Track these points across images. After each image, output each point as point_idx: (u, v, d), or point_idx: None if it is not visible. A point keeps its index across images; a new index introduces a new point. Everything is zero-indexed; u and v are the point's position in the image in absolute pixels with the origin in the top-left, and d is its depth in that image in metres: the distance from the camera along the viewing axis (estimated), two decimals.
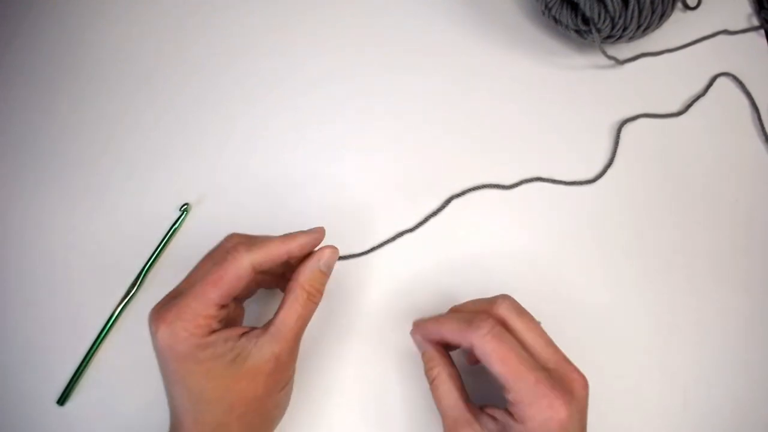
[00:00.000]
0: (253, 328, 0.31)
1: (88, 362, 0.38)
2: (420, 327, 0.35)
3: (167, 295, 0.31)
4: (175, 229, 0.41)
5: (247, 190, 0.43)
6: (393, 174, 0.44)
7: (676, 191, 0.44)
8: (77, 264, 0.41)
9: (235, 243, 0.31)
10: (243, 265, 0.30)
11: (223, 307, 0.30)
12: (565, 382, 0.29)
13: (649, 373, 0.39)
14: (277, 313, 0.31)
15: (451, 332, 0.32)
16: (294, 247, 0.32)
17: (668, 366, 0.39)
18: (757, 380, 0.39)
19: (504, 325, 0.31)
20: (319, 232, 0.34)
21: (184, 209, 0.42)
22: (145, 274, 0.40)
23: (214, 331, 0.29)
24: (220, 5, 0.50)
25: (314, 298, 0.32)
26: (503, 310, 0.32)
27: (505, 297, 0.33)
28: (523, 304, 0.40)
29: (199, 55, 0.48)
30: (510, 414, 0.30)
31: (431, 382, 0.33)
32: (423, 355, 0.34)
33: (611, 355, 0.39)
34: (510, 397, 0.29)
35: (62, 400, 0.37)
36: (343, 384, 0.38)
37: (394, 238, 0.42)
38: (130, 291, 0.39)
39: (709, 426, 0.38)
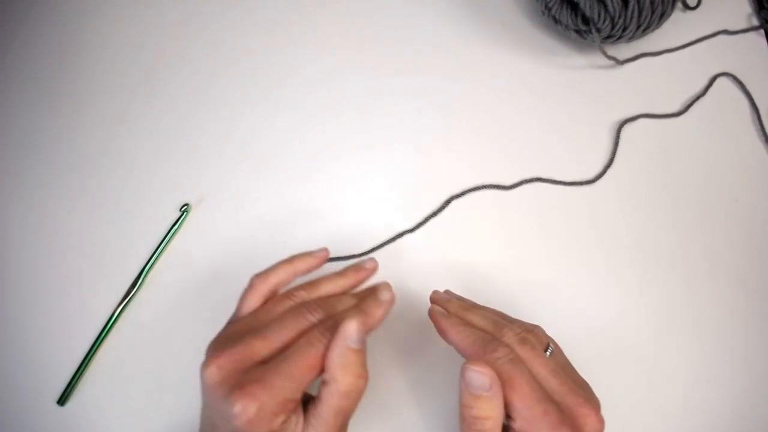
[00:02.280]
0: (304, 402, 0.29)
1: (88, 362, 0.38)
2: (439, 322, 0.33)
3: (241, 354, 0.28)
4: (175, 229, 0.41)
5: (247, 191, 0.43)
6: (393, 174, 0.44)
7: (676, 191, 0.44)
8: (77, 264, 0.41)
9: (327, 323, 0.29)
10: (320, 352, 0.28)
11: (304, 390, 0.28)
12: (574, 417, 0.28)
13: (649, 373, 0.39)
14: (316, 403, 0.28)
15: (465, 346, 0.30)
16: (374, 326, 0.30)
17: (668, 366, 0.39)
18: (757, 380, 0.39)
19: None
20: (388, 294, 0.32)
21: (184, 209, 0.42)
22: (145, 274, 0.40)
23: (289, 417, 0.27)
24: (220, 6, 0.50)
25: (355, 387, 0.28)
26: (508, 339, 0.30)
27: (511, 327, 0.31)
28: (522, 304, 0.40)
29: (199, 56, 0.48)
30: None
31: (481, 431, 0.28)
32: (480, 399, 0.28)
33: (611, 354, 0.39)
34: (516, 425, 0.28)
35: (62, 400, 0.37)
36: None
37: (394, 238, 0.42)
38: (130, 291, 0.40)
39: (709, 426, 0.37)
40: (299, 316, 0.30)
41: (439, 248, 0.42)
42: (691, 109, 0.46)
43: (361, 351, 0.28)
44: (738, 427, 0.38)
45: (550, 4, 0.45)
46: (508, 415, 0.28)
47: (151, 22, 0.49)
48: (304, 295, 0.32)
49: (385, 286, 0.32)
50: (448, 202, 0.43)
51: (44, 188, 0.43)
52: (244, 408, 0.26)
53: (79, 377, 0.38)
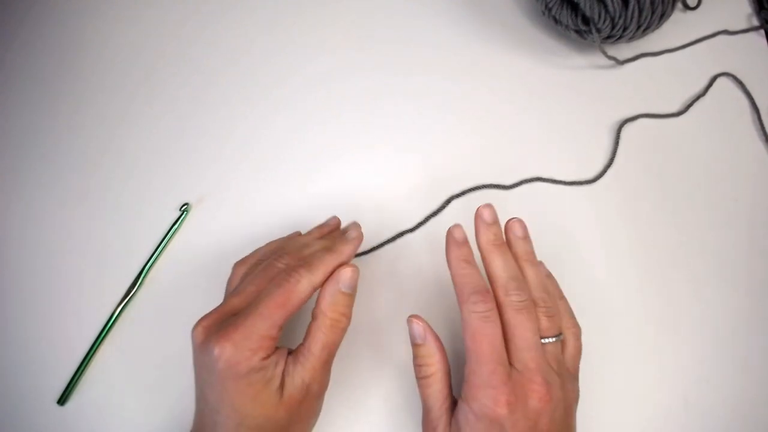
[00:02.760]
0: (289, 351, 0.31)
1: (88, 362, 0.38)
2: (449, 249, 0.34)
3: (220, 311, 0.31)
4: (175, 229, 0.41)
5: (247, 190, 0.43)
6: (393, 174, 0.44)
7: (676, 191, 0.44)
8: (77, 264, 0.41)
9: (294, 265, 0.31)
10: (305, 287, 0.30)
11: (280, 329, 0.30)
12: (523, 386, 0.29)
13: (649, 373, 0.39)
14: (304, 340, 0.31)
15: (454, 285, 0.32)
16: (345, 260, 0.32)
17: (668, 366, 0.39)
18: (758, 380, 0.39)
19: (500, 310, 0.31)
20: (356, 231, 0.35)
21: (184, 209, 0.42)
22: (145, 274, 0.40)
23: (269, 356, 0.29)
24: (220, 6, 0.50)
25: (339, 323, 0.31)
26: (505, 301, 0.31)
27: (519, 294, 0.31)
28: None
29: (199, 55, 0.48)
30: (461, 393, 0.30)
31: (424, 377, 0.32)
32: (419, 347, 0.32)
33: (611, 354, 0.39)
34: (465, 372, 0.30)
35: (62, 400, 0.37)
36: (343, 384, 0.38)
37: (394, 238, 0.42)
38: (130, 291, 0.40)
39: (709, 426, 0.37)
40: (268, 267, 0.32)
41: (440, 248, 0.42)
42: (691, 109, 0.46)
43: (350, 296, 0.32)
44: (738, 427, 0.38)
45: (550, 5, 0.45)
46: (466, 362, 0.30)
47: (151, 22, 0.49)
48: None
49: (354, 225, 0.37)
50: (448, 201, 0.43)
51: (44, 188, 0.43)
52: (221, 350, 0.28)
53: (79, 377, 0.38)
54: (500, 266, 0.32)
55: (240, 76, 0.47)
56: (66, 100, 0.46)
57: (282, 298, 0.30)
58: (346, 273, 0.32)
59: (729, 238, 0.42)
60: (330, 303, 0.31)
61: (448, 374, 0.32)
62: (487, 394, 0.29)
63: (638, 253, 0.42)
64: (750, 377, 0.39)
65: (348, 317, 0.32)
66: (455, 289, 0.32)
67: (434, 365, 0.32)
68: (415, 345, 0.32)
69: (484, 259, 0.33)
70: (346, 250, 0.33)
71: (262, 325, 0.29)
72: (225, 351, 0.28)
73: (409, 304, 0.40)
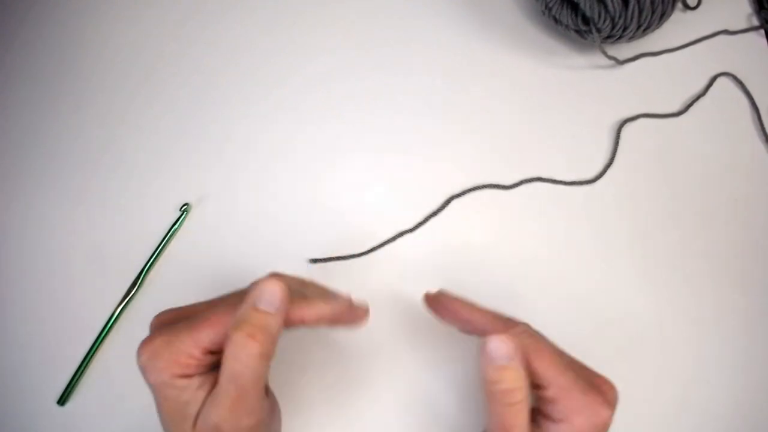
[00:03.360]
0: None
1: (88, 362, 0.38)
2: (446, 304, 0.32)
3: (179, 311, 0.29)
4: (175, 229, 0.41)
5: (247, 190, 0.43)
6: (393, 174, 0.44)
7: (676, 191, 0.44)
8: (77, 264, 0.41)
9: (260, 308, 0.26)
10: (246, 307, 0.26)
11: (212, 353, 0.27)
12: (601, 390, 0.28)
13: (649, 373, 0.39)
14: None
15: (484, 322, 0.30)
16: (259, 300, 0.27)
17: (668, 366, 0.39)
18: (757, 380, 0.39)
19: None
20: (342, 306, 0.30)
21: (184, 209, 0.42)
22: (145, 274, 0.40)
23: (189, 376, 0.26)
24: (220, 6, 0.50)
25: (244, 348, 0.25)
26: (521, 326, 0.30)
27: (518, 323, 0.30)
28: (523, 304, 0.40)
29: (199, 55, 0.48)
30: (545, 415, 0.28)
31: (511, 404, 0.26)
32: (505, 371, 0.26)
33: (610, 354, 0.39)
34: (549, 393, 0.27)
35: (62, 400, 0.37)
36: (342, 384, 0.38)
37: (394, 238, 0.42)
38: (130, 291, 0.40)
39: (709, 426, 0.38)
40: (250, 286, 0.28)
41: (439, 248, 0.42)
42: (691, 109, 0.46)
43: (267, 314, 0.26)
44: (738, 427, 0.38)
45: (550, 4, 0.45)
46: (537, 386, 0.28)
47: (151, 22, 0.49)
48: None
49: (363, 312, 0.32)
50: (448, 201, 0.43)
51: (44, 188, 0.43)
52: (142, 353, 0.27)
53: (79, 377, 0.38)
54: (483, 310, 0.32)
55: (240, 76, 0.47)
56: (66, 100, 0.46)
57: (216, 319, 0.27)
58: (265, 286, 0.26)
59: (729, 238, 0.42)
60: (236, 322, 0.25)
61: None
62: (587, 402, 0.27)
63: (638, 253, 0.42)
64: (750, 377, 0.39)
65: (261, 342, 0.25)
66: (483, 327, 0.30)
67: (523, 389, 0.26)
68: (497, 368, 0.27)
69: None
70: (321, 309, 0.29)
71: (186, 340, 0.26)
72: (144, 356, 0.26)
73: (409, 305, 0.40)
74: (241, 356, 0.25)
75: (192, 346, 0.26)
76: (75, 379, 0.37)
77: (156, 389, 0.27)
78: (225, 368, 0.25)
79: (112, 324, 0.39)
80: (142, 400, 0.37)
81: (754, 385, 0.38)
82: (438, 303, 0.34)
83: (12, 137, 0.45)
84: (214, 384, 0.26)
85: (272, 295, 0.26)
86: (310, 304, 0.29)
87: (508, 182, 0.44)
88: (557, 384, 0.27)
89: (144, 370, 0.27)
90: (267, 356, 0.26)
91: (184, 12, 0.49)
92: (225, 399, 0.25)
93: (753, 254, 0.42)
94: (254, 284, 0.27)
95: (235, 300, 0.27)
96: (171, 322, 0.28)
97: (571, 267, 0.41)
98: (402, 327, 0.39)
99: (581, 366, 0.30)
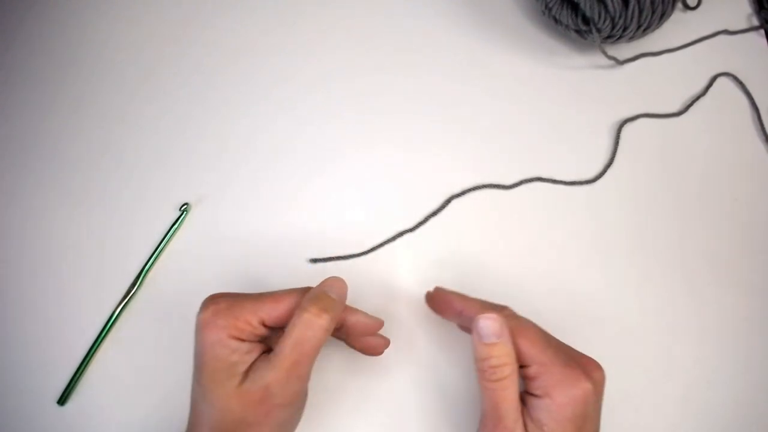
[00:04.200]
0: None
1: (88, 362, 0.38)
2: (442, 298, 0.35)
3: (237, 293, 0.32)
4: (175, 229, 0.41)
5: (247, 190, 0.43)
6: (393, 174, 0.44)
7: (676, 191, 0.44)
8: (77, 264, 0.41)
9: (313, 290, 0.31)
10: (318, 291, 0.31)
11: (267, 327, 0.30)
12: (583, 364, 0.30)
13: (649, 373, 0.39)
14: (279, 339, 0.30)
15: (474, 311, 0.32)
16: (331, 289, 0.32)
17: (668, 366, 0.39)
18: (757, 380, 0.39)
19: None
20: (378, 323, 0.34)
21: (184, 209, 0.42)
22: (145, 274, 0.40)
23: (242, 339, 0.29)
24: (220, 6, 0.50)
25: (316, 320, 0.29)
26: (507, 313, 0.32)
27: (499, 309, 0.32)
28: (523, 304, 0.40)
29: (199, 55, 0.48)
30: (529, 393, 0.30)
31: (499, 380, 0.29)
32: (494, 347, 0.29)
33: (610, 354, 0.39)
34: (531, 371, 0.29)
35: (62, 400, 0.37)
36: (343, 385, 0.38)
37: (394, 238, 0.42)
38: (130, 291, 0.40)
39: (709, 426, 0.38)
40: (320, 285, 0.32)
41: (439, 248, 0.42)
42: (691, 109, 0.46)
43: (334, 301, 0.31)
44: (738, 427, 0.38)
45: (550, 4, 0.45)
46: (522, 366, 0.30)
47: (151, 22, 0.49)
48: None
49: (386, 342, 0.35)
50: (448, 201, 0.43)
51: (44, 188, 0.43)
52: (205, 311, 0.30)
53: (79, 377, 0.38)
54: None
55: (240, 77, 0.47)
56: (66, 100, 0.46)
57: (281, 298, 0.31)
58: (335, 281, 0.32)
59: (729, 238, 0.42)
60: (311, 298, 0.30)
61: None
62: (567, 376, 0.28)
63: (638, 253, 0.42)
64: (750, 377, 0.39)
65: (328, 318, 0.29)
66: (473, 315, 0.31)
67: (510, 365, 0.29)
68: (486, 345, 0.29)
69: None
70: (366, 317, 0.34)
71: (249, 306, 0.30)
72: (206, 314, 0.30)
73: (409, 304, 0.40)
74: (312, 325, 0.29)
75: (252, 313, 0.30)
76: (75, 379, 0.37)
77: (208, 345, 0.29)
78: (292, 335, 0.29)
79: (112, 324, 0.39)
80: (143, 400, 0.38)
81: (754, 385, 0.38)
82: (436, 299, 0.36)
83: (12, 137, 0.45)
84: (261, 353, 0.30)
85: (340, 289, 0.32)
86: (355, 311, 0.33)
87: (508, 182, 0.44)
88: (538, 361, 0.29)
89: (203, 325, 0.29)
90: (328, 332, 0.30)
91: (184, 12, 0.49)
92: (285, 361, 0.29)
93: (753, 254, 0.42)
94: (325, 279, 0.32)
95: (295, 291, 0.31)
96: (228, 297, 0.31)
97: (571, 267, 0.41)
98: (402, 327, 0.39)
99: (568, 347, 0.31)
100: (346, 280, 0.32)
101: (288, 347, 0.29)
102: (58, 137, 0.45)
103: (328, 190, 0.43)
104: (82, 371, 0.38)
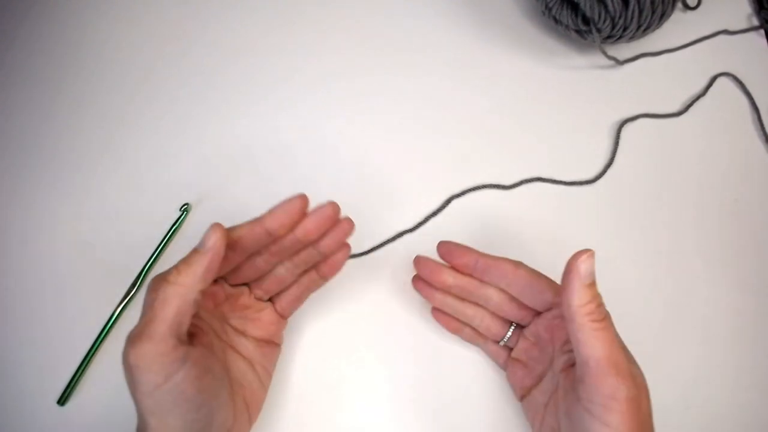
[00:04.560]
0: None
1: (88, 362, 0.38)
2: (455, 249, 0.34)
3: None
4: (175, 229, 0.41)
5: (247, 190, 0.43)
6: (393, 174, 0.44)
7: (676, 191, 0.44)
8: (77, 264, 0.41)
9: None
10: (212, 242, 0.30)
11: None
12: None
13: (649, 373, 0.39)
14: None
15: (491, 260, 0.33)
16: (268, 222, 0.31)
17: (668, 366, 0.39)
18: (758, 380, 0.39)
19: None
20: (297, 200, 0.31)
21: (184, 209, 0.42)
22: (145, 274, 0.40)
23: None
24: (220, 6, 0.50)
25: (169, 276, 0.28)
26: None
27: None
28: None
29: (199, 55, 0.48)
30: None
31: (606, 317, 0.28)
32: (594, 285, 0.29)
33: None
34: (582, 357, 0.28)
35: (62, 400, 0.37)
36: (343, 384, 0.38)
37: (394, 238, 0.42)
38: (130, 291, 0.39)
39: (709, 426, 0.37)
40: None
41: None
42: (691, 109, 0.46)
43: (197, 253, 0.30)
44: (738, 427, 0.38)
45: (550, 5, 0.45)
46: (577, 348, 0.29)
47: (151, 21, 0.49)
48: None
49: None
50: (448, 201, 0.43)
51: (44, 188, 0.43)
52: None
53: (79, 377, 0.38)
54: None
55: (240, 76, 0.47)
56: (66, 100, 0.46)
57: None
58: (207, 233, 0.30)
59: (729, 238, 0.42)
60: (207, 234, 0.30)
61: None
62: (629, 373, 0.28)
63: (638, 253, 0.42)
64: (750, 377, 0.39)
65: (182, 274, 0.28)
66: (536, 289, 0.32)
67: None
68: (589, 286, 0.29)
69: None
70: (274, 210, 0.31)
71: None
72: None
73: (409, 304, 0.40)
74: (164, 284, 0.28)
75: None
76: (75, 379, 0.37)
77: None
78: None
79: (112, 324, 0.39)
80: None
81: (754, 385, 0.38)
82: (446, 251, 0.35)
83: (12, 137, 0.45)
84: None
85: (206, 238, 0.30)
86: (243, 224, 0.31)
87: (508, 182, 0.44)
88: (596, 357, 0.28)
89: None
90: (182, 286, 0.28)
91: (184, 12, 0.49)
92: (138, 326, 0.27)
93: (753, 254, 0.42)
94: None
95: None
96: None
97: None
98: (402, 327, 0.39)
99: None
100: (218, 228, 0.31)
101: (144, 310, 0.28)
102: (58, 137, 0.45)
103: (328, 190, 0.43)
104: (83, 371, 0.38)
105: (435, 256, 0.41)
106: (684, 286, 0.41)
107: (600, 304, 0.29)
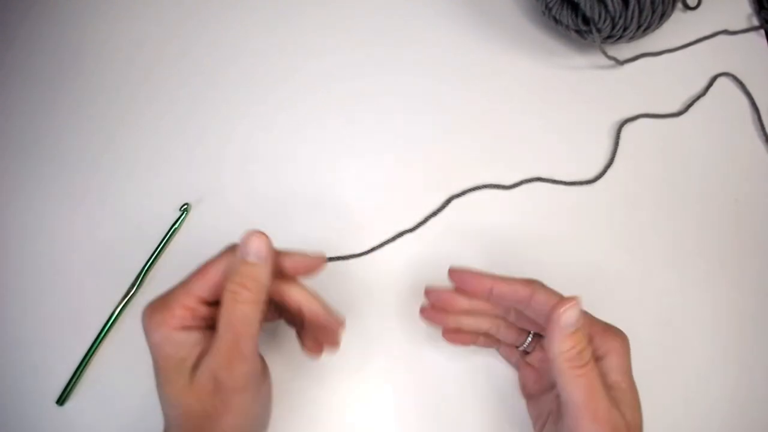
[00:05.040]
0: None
1: (88, 362, 0.38)
2: (468, 276, 0.33)
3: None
4: (175, 229, 0.41)
5: (247, 190, 0.43)
6: (393, 174, 0.44)
7: (676, 191, 0.44)
8: (77, 264, 0.41)
9: (235, 246, 0.30)
10: (223, 260, 0.29)
11: (207, 303, 0.29)
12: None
13: (650, 373, 0.39)
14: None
15: (515, 288, 0.32)
16: (287, 263, 0.31)
17: (668, 366, 0.39)
18: (758, 380, 0.39)
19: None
20: (317, 259, 0.31)
21: (184, 209, 0.42)
22: (145, 274, 0.40)
23: (188, 327, 0.28)
24: (220, 6, 0.50)
25: (238, 295, 0.27)
26: None
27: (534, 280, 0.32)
28: None
29: (199, 55, 0.48)
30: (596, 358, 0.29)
31: (587, 363, 0.28)
32: (577, 333, 0.28)
33: None
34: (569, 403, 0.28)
35: (62, 400, 0.37)
36: (342, 384, 0.38)
37: (394, 238, 0.42)
38: (130, 291, 0.39)
39: (709, 426, 0.37)
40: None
41: (439, 248, 0.42)
42: (691, 109, 0.46)
43: (255, 265, 0.28)
44: (738, 427, 0.38)
45: (550, 5, 0.45)
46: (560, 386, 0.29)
47: (151, 21, 0.49)
48: None
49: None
50: (448, 201, 0.43)
51: (44, 188, 0.43)
52: (144, 314, 0.28)
53: (78, 377, 0.38)
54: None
55: (240, 76, 0.47)
56: (66, 100, 0.46)
57: (202, 268, 0.29)
58: (248, 239, 0.29)
59: (729, 238, 0.42)
60: (228, 273, 0.28)
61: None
62: (610, 331, 0.31)
63: (638, 253, 0.42)
64: (750, 377, 0.39)
65: (252, 290, 0.28)
66: (515, 294, 0.32)
67: (589, 345, 0.29)
68: (570, 334, 0.29)
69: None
70: (293, 255, 0.31)
71: (179, 292, 0.28)
72: (145, 316, 0.28)
73: (409, 303, 0.40)
74: (238, 302, 0.27)
75: (184, 295, 0.28)
76: (74, 379, 0.37)
77: (156, 348, 0.28)
78: (222, 317, 0.27)
79: (111, 324, 0.39)
80: (142, 400, 0.37)
81: (754, 385, 0.38)
82: (458, 278, 0.34)
83: (12, 137, 0.45)
84: (210, 342, 0.28)
85: (258, 248, 0.29)
86: (291, 254, 0.31)
87: (508, 182, 0.44)
88: (587, 326, 0.29)
89: (146, 330, 0.28)
90: (258, 302, 0.28)
91: (184, 12, 0.49)
92: (223, 345, 0.27)
93: (753, 254, 0.42)
94: (242, 238, 0.29)
95: (226, 254, 0.30)
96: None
97: (571, 267, 0.41)
98: (402, 326, 0.39)
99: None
100: (263, 234, 0.29)
101: (222, 328, 0.27)
102: (58, 137, 0.45)
103: (328, 190, 0.43)
104: (82, 371, 0.38)
105: (435, 256, 0.41)
106: (684, 285, 0.41)
107: (582, 351, 0.28)
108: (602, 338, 0.30)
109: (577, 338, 0.28)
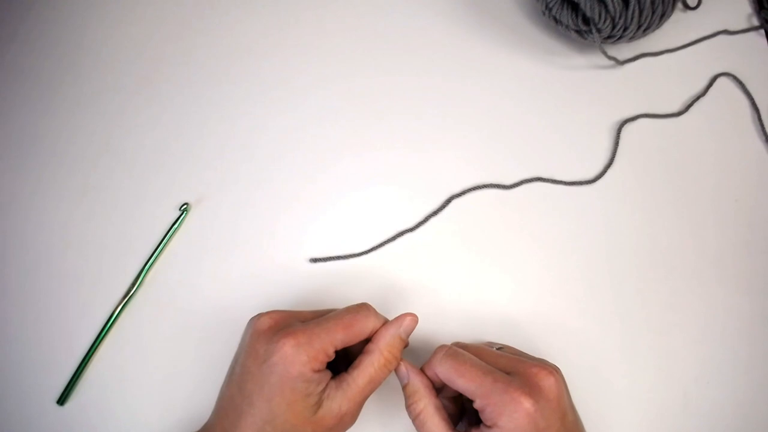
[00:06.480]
0: (332, 377, 0.32)
1: (88, 362, 0.38)
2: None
3: (289, 313, 0.33)
4: (175, 229, 0.41)
5: (247, 190, 0.43)
6: (393, 174, 0.44)
7: (676, 191, 0.44)
8: (77, 264, 0.41)
9: (368, 307, 0.34)
10: (371, 321, 0.33)
11: (336, 350, 0.32)
12: (527, 379, 0.30)
13: (649, 373, 0.39)
14: (350, 370, 0.32)
15: (428, 372, 0.33)
16: (404, 330, 0.34)
17: (668, 366, 0.39)
18: (758, 380, 0.39)
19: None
20: (413, 320, 0.34)
21: (184, 209, 0.42)
22: (145, 274, 0.40)
23: (319, 371, 0.31)
24: (220, 6, 0.50)
25: (390, 364, 0.33)
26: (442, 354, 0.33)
27: (439, 349, 0.33)
28: (523, 303, 0.40)
29: (199, 56, 0.48)
30: (485, 425, 0.30)
31: (415, 417, 0.32)
32: (405, 388, 0.33)
33: (611, 354, 0.39)
34: (477, 404, 0.30)
35: (62, 400, 0.37)
36: None
37: (394, 238, 0.42)
38: (130, 291, 0.40)
39: (709, 426, 0.37)
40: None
41: (440, 247, 0.42)
42: (691, 109, 0.46)
43: (404, 341, 0.33)
44: (738, 427, 0.38)
45: (550, 5, 0.45)
46: (470, 400, 0.31)
47: (152, 21, 0.49)
48: None
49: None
50: (448, 201, 0.43)
51: (44, 188, 0.43)
52: (284, 344, 0.30)
53: (78, 377, 0.38)
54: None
55: (240, 77, 0.47)
56: (66, 100, 0.46)
57: (348, 322, 0.32)
58: (407, 319, 0.33)
59: (729, 238, 0.42)
60: (388, 343, 0.33)
61: (441, 408, 0.32)
62: (505, 401, 0.29)
63: (638, 253, 0.42)
64: (750, 377, 0.39)
65: (398, 361, 0.33)
66: (431, 376, 0.33)
67: (421, 401, 0.32)
68: (403, 388, 0.33)
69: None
70: (407, 321, 0.34)
71: (326, 338, 0.31)
72: (287, 346, 0.30)
73: (409, 303, 0.40)
74: (386, 369, 0.33)
75: (329, 344, 0.31)
76: (74, 379, 0.37)
77: (289, 379, 0.30)
78: (366, 372, 0.32)
79: (112, 324, 0.39)
80: (142, 400, 0.38)
81: (754, 385, 0.38)
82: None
83: (12, 137, 0.45)
84: (328, 380, 0.31)
85: (411, 328, 0.34)
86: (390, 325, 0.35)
87: (508, 182, 0.44)
88: (479, 393, 0.30)
89: (285, 360, 0.30)
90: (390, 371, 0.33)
91: (185, 12, 0.49)
92: (359, 396, 0.32)
93: (753, 254, 0.42)
94: (401, 316, 0.34)
95: (369, 315, 0.33)
96: (285, 320, 0.32)
97: (571, 267, 0.41)
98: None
99: (515, 361, 0.32)
100: (416, 318, 0.34)
101: (364, 382, 0.32)
102: (58, 137, 0.45)
103: (328, 190, 0.43)
104: (82, 371, 0.38)
105: (435, 256, 0.41)
106: (684, 285, 0.41)
107: (411, 402, 0.33)
108: (498, 404, 0.29)
109: (407, 390, 0.33)
